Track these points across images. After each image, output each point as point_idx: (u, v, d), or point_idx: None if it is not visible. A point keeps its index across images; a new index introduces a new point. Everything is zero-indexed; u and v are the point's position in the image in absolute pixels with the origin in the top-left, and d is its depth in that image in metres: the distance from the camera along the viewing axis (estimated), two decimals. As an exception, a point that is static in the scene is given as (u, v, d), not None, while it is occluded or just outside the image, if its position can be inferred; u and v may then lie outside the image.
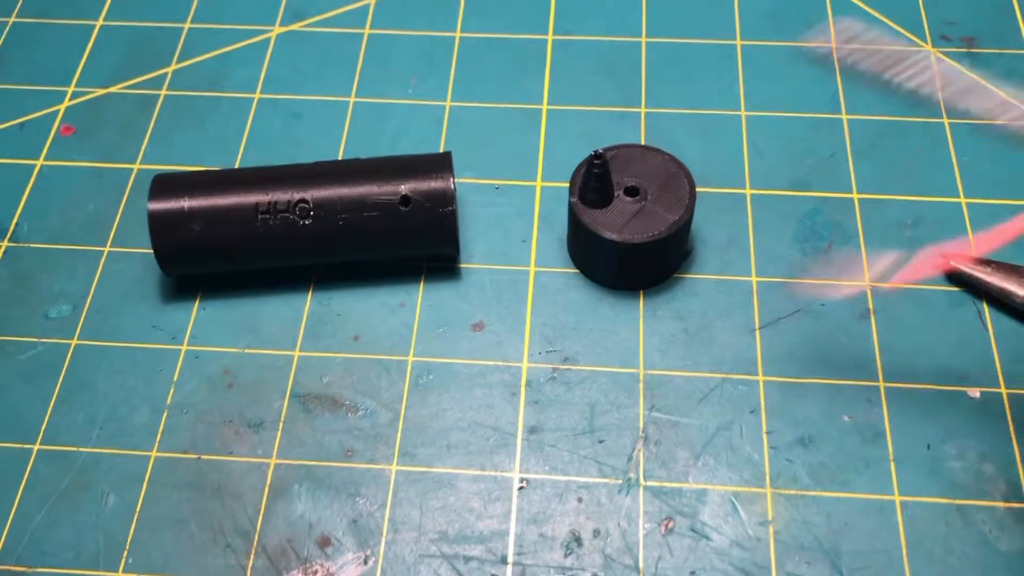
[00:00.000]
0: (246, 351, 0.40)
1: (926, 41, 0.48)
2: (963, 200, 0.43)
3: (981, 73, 0.47)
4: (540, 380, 0.39)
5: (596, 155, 0.38)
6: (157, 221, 0.39)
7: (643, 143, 0.44)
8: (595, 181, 0.39)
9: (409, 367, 0.39)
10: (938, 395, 0.38)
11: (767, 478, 0.36)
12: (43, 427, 0.38)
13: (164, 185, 0.39)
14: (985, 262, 0.40)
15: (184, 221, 0.38)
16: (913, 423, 0.37)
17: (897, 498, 0.35)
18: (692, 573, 0.34)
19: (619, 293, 0.41)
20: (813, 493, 0.36)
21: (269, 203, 0.38)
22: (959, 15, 0.49)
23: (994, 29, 0.49)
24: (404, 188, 0.39)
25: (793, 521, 0.35)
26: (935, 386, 0.38)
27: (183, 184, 0.39)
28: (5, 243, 0.43)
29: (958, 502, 0.35)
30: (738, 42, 0.49)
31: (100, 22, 0.51)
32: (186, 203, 0.39)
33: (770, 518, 0.35)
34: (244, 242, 0.39)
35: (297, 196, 0.39)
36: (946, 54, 0.48)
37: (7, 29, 0.51)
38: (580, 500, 0.36)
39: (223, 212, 0.38)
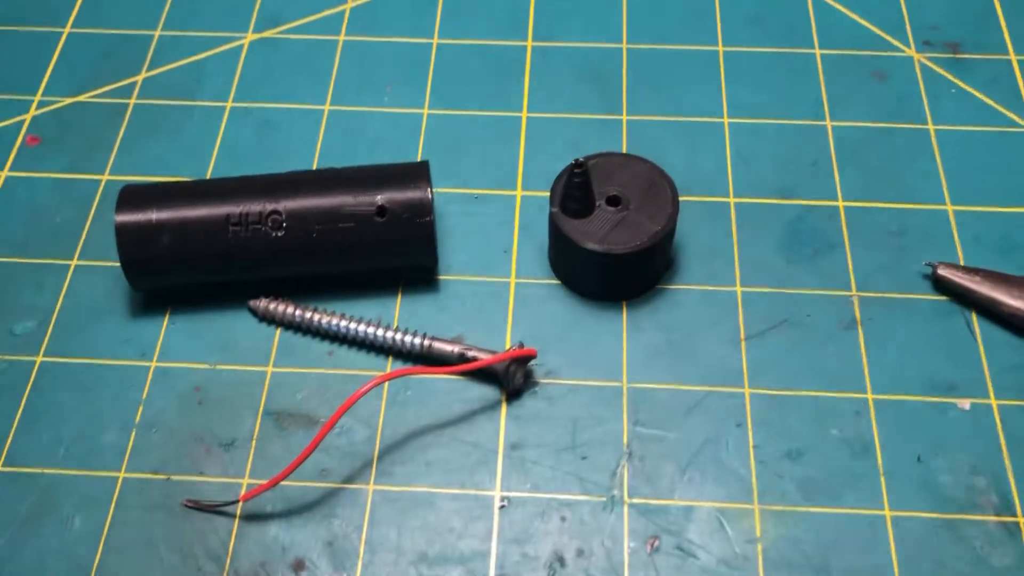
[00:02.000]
0: (217, 367, 0.38)
1: (909, 46, 0.48)
2: (950, 208, 0.42)
3: (964, 79, 0.47)
4: (522, 395, 0.37)
5: (577, 163, 0.37)
6: (125, 234, 0.37)
7: (625, 151, 0.43)
8: (576, 190, 0.38)
9: (386, 383, 0.38)
10: (928, 407, 0.37)
11: (755, 493, 0.35)
12: (6, 447, 0.37)
13: (132, 196, 0.38)
14: (973, 271, 0.39)
15: (152, 234, 0.37)
16: (903, 436, 0.36)
17: (888, 513, 0.35)
18: (679, 593, 0.33)
19: (602, 304, 0.40)
20: (802, 509, 0.35)
21: (240, 214, 0.37)
22: (943, 21, 0.49)
23: (978, 35, 0.48)
24: (380, 198, 0.38)
25: (782, 537, 0.34)
26: (924, 397, 0.37)
27: (151, 195, 0.38)
28: (-32, 257, 0.42)
29: (949, 516, 0.34)
30: (720, 48, 0.48)
31: (68, 29, 0.49)
32: (154, 215, 0.37)
33: (758, 535, 0.34)
34: (214, 255, 0.38)
35: (269, 207, 0.37)
36: (930, 59, 0.47)
37: (-28, 37, 0.49)
38: (563, 518, 0.35)
39: (192, 224, 0.37)
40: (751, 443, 0.36)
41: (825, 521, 0.34)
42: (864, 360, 0.38)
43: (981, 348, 0.38)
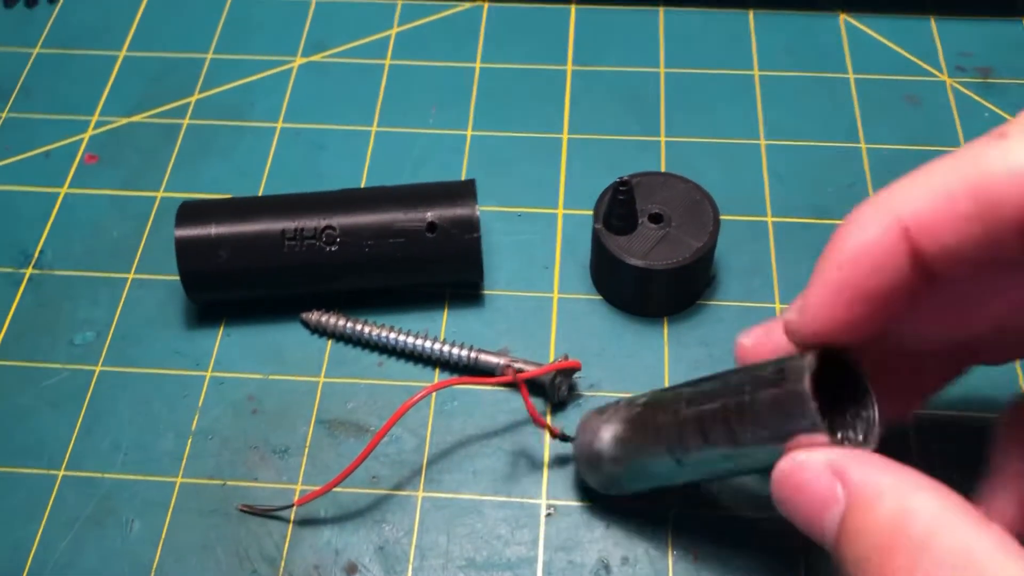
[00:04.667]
0: (271, 377, 0.40)
1: (942, 71, 0.49)
2: (984, 228, 0.43)
3: (996, 103, 0.48)
4: (566, 406, 0.38)
5: (621, 182, 0.38)
6: (184, 248, 0.39)
7: (664, 171, 0.45)
8: (620, 208, 0.39)
9: (434, 393, 0.39)
10: (968, 420, 0.38)
11: (795, 504, 0.36)
12: (68, 453, 0.38)
13: (191, 212, 0.40)
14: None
15: (211, 248, 0.39)
16: (943, 451, 0.37)
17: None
18: (722, 600, 0.34)
19: (643, 319, 0.41)
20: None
21: (296, 230, 0.39)
22: (974, 46, 0.50)
23: (1010, 60, 0.49)
24: (430, 215, 0.39)
25: (824, 551, 0.35)
26: (964, 412, 0.38)
27: (210, 211, 0.39)
28: (30, 270, 0.43)
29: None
30: (756, 72, 0.49)
31: (123, 53, 0.51)
32: (213, 230, 0.39)
33: (801, 547, 0.35)
34: (271, 268, 0.39)
35: (324, 223, 0.39)
36: (962, 84, 0.48)
37: (32, 60, 0.51)
38: (608, 527, 0.36)
39: (250, 239, 0.39)
40: (791, 455, 0.37)
41: (865, 532, 0.35)
42: (901, 376, 0.39)
43: (1017, 364, 0.39)
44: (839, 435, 0.28)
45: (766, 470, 0.28)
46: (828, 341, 0.26)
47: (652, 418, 0.32)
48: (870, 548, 0.23)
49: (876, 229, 0.25)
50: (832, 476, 0.25)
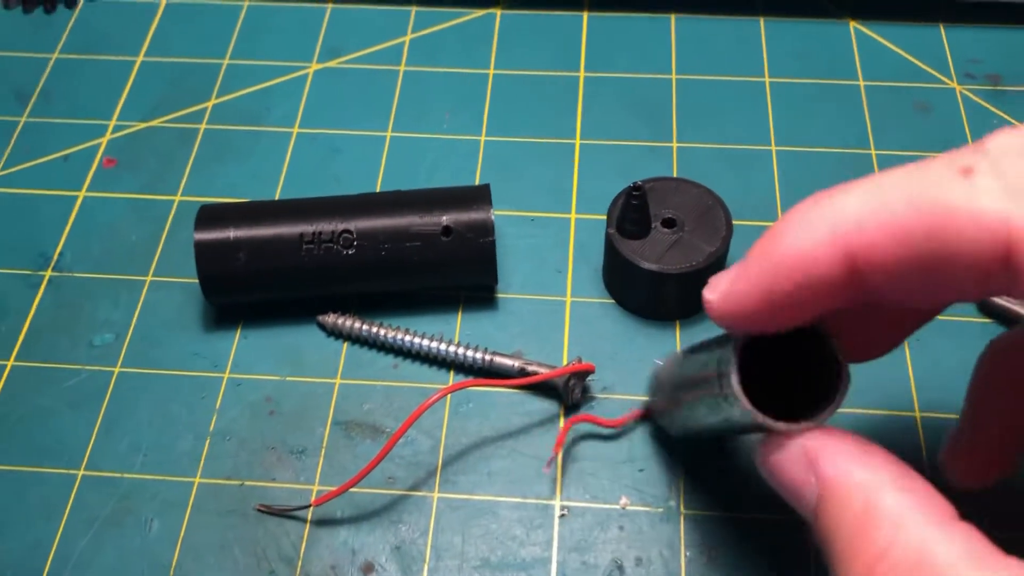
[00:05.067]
0: (288, 379, 0.40)
1: (951, 79, 0.49)
2: (993, 234, 0.43)
3: (1006, 110, 0.48)
4: (580, 408, 0.39)
5: (635, 187, 0.39)
6: (204, 251, 0.39)
7: (676, 177, 0.45)
8: (633, 212, 0.39)
9: (449, 395, 0.39)
10: (975, 425, 0.38)
11: (807, 507, 0.36)
12: (88, 453, 0.38)
13: (210, 215, 0.40)
14: (1018, 294, 0.40)
15: (230, 251, 0.39)
16: (951, 453, 0.37)
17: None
18: (735, 601, 0.34)
19: (655, 324, 0.41)
20: (853, 522, 0.36)
21: (313, 233, 0.39)
22: (983, 54, 0.50)
23: (1019, 67, 0.49)
24: (445, 219, 0.39)
25: (834, 550, 0.35)
26: (972, 416, 0.38)
27: (229, 214, 0.40)
28: (49, 272, 0.44)
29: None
30: (767, 79, 0.50)
31: (141, 58, 0.52)
32: (232, 233, 0.39)
33: (813, 548, 0.35)
34: (288, 271, 0.39)
35: (341, 226, 0.39)
36: (971, 91, 0.49)
37: (51, 65, 0.52)
38: (622, 528, 0.36)
39: (268, 242, 0.39)
40: (803, 458, 0.37)
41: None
42: (912, 380, 0.39)
43: None
44: (816, 389, 0.27)
45: None
46: (746, 329, 0.26)
47: (672, 412, 0.34)
48: (840, 544, 0.24)
49: (816, 240, 0.24)
50: (807, 463, 0.26)
